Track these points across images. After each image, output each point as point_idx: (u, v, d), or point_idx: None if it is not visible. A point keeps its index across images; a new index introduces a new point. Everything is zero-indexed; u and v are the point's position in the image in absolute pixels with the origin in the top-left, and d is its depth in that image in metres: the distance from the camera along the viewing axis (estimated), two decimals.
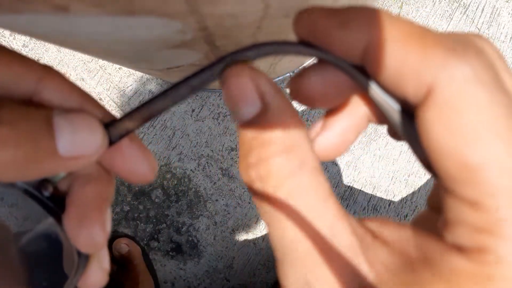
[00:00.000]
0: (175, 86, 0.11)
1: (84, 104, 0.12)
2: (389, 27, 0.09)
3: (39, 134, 0.09)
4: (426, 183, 0.68)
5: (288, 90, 0.12)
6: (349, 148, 0.13)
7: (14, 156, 0.09)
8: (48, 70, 0.11)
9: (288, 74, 0.66)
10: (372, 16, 0.10)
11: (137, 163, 0.13)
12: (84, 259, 0.13)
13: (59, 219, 0.12)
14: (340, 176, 0.66)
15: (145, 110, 0.11)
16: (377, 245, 0.10)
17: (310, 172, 0.10)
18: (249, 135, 0.10)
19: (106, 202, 0.13)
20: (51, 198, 0.13)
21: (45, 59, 0.65)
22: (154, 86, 0.66)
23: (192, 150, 0.65)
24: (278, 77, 0.65)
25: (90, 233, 0.12)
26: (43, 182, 0.13)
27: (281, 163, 0.10)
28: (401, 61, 0.09)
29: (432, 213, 0.12)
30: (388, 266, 0.10)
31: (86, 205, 0.12)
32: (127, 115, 0.12)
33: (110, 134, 0.12)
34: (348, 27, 0.10)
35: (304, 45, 0.11)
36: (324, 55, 0.11)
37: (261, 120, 0.10)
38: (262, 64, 0.42)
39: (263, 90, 0.10)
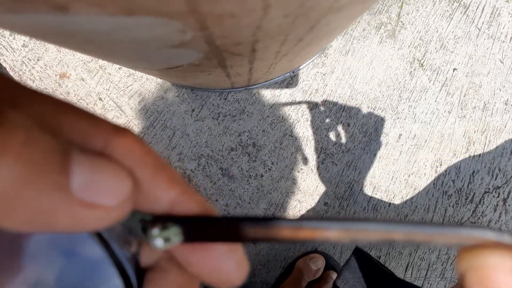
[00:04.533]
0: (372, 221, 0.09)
1: (156, 175, 0.10)
2: None
3: (49, 162, 0.08)
4: (426, 183, 0.68)
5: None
6: None
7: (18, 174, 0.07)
8: (118, 132, 0.10)
9: (288, 74, 0.66)
10: None
11: (221, 261, 0.10)
12: None
13: None
14: (340, 176, 0.66)
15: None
16: None
17: None
18: None
19: None
20: (131, 261, 0.10)
21: (45, 59, 0.65)
22: (154, 86, 0.66)
23: (192, 150, 0.65)
24: (278, 77, 0.65)
25: None
26: (127, 238, 0.10)
27: None
28: None
29: None
30: None
31: None
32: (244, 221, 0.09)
33: (193, 230, 0.09)
34: None
35: None
36: None
37: None
38: (262, 63, 0.42)
39: None
